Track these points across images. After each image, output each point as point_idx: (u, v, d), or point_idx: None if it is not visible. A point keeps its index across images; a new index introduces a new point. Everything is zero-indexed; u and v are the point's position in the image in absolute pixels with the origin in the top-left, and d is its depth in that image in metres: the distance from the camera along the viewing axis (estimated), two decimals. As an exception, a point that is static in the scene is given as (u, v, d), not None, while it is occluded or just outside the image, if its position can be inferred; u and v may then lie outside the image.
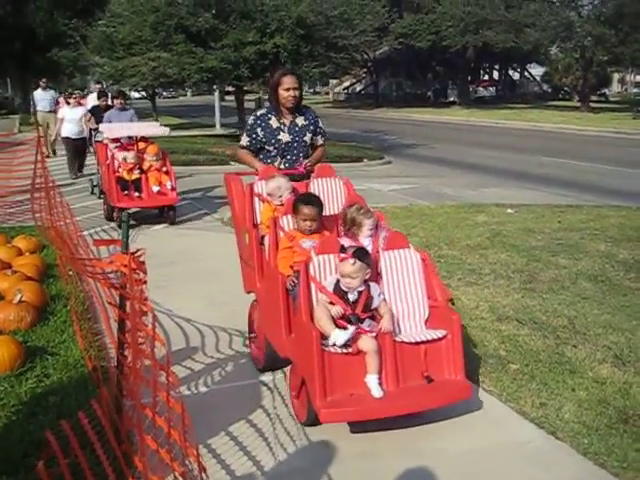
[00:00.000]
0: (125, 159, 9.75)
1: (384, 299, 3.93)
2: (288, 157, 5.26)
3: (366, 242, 4.16)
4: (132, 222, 9.27)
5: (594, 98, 46.96)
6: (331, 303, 3.80)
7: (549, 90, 58.69)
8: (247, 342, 5.06)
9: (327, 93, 70.88)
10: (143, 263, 3.31)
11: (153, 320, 3.04)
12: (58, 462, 3.03)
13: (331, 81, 62.40)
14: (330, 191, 4.95)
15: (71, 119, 14.27)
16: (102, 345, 5.00)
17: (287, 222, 4.44)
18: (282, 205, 4.61)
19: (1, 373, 4.41)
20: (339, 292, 3.79)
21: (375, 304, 3.83)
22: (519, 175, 15.80)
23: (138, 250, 3.32)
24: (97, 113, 12.66)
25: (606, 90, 56.82)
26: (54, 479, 2.89)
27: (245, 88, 23.59)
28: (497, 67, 60.89)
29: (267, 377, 4.61)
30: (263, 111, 5.29)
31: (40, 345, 4.96)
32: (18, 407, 3.98)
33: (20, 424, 3.78)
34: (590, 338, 5.23)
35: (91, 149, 15.78)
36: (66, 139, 14.46)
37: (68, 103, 14.92)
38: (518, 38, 41.03)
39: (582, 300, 6.17)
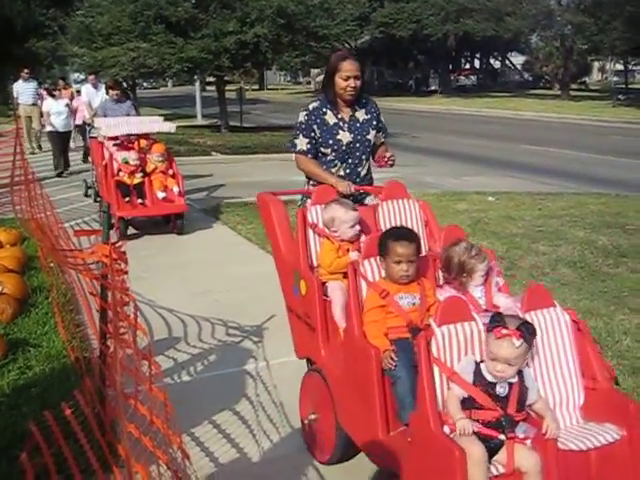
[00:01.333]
0: (126, 161, 8.57)
1: (538, 390, 2.74)
2: (349, 161, 4.22)
3: (478, 293, 3.12)
4: (134, 232, 8.66)
5: (574, 86, 47.23)
6: (469, 404, 2.58)
7: (530, 79, 58.93)
8: (303, 428, 3.72)
9: (309, 83, 70.72)
10: (124, 253, 3.32)
11: (135, 309, 3.05)
12: (42, 452, 3.04)
13: (312, 70, 62.29)
14: (403, 218, 3.78)
15: (56, 112, 13.51)
16: (84, 336, 5.00)
17: (370, 268, 3.22)
18: (348, 242, 3.50)
19: (-17, 365, 4.40)
20: (482, 383, 2.60)
21: (531, 399, 2.65)
22: (500, 163, 15.89)
23: (119, 241, 3.32)
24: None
25: (586, 79, 57.18)
26: (38, 469, 2.91)
27: (226, 78, 23.50)
28: (478, 56, 61.02)
29: (250, 365, 4.64)
30: (316, 104, 4.23)
31: (22, 337, 4.95)
32: (0, 399, 3.98)
33: (3, 415, 3.78)
34: (569, 323, 5.30)
35: (72, 144, 15.00)
36: (51, 133, 13.68)
37: (52, 95, 14.08)
38: (498, 27, 41.20)
39: (562, 286, 6.25)
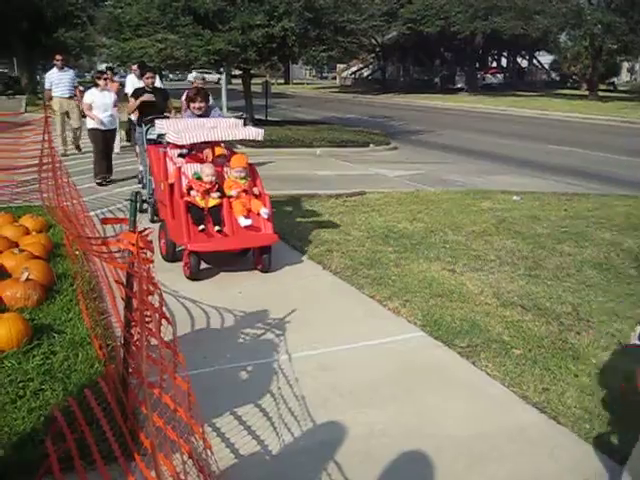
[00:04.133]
0: (198, 176, 6.58)
1: None
2: None
3: None
4: (206, 266, 6.62)
5: (602, 87, 46.66)
6: None
7: (557, 78, 58.41)
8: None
9: (334, 78, 70.62)
10: (150, 242, 3.33)
11: (160, 298, 3.06)
12: (65, 438, 3.07)
13: (338, 66, 62.17)
14: None
15: (101, 105, 11.33)
16: (108, 324, 5.03)
17: None
18: None
19: (8, 349, 4.44)
20: None
21: None
22: (525, 162, 15.74)
23: (145, 229, 3.33)
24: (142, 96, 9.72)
25: (615, 79, 56.46)
26: (61, 454, 2.94)
27: (252, 71, 23.50)
28: (505, 54, 60.56)
29: (272, 359, 4.64)
30: None
31: (47, 323, 4.99)
32: (25, 383, 4.02)
33: (27, 400, 3.81)
34: (594, 325, 5.25)
35: (117, 146, 13.13)
36: (94, 131, 11.31)
37: (96, 85, 11.74)
38: (527, 25, 40.78)
39: (586, 287, 6.19)
